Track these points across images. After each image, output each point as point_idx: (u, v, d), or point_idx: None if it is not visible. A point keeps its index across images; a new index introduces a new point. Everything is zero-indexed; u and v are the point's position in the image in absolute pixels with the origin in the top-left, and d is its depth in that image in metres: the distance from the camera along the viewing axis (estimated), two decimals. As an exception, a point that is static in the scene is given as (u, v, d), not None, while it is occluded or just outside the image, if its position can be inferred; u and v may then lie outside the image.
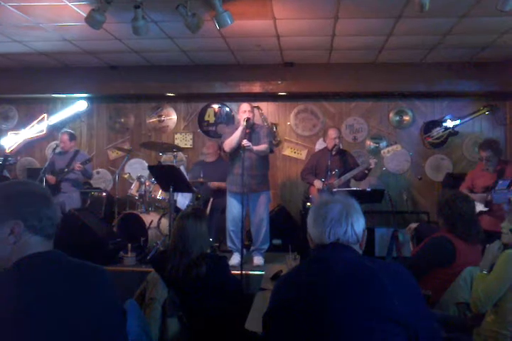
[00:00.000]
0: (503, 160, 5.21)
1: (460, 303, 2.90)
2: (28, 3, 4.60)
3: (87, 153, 6.94)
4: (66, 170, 6.04)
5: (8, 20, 5.05)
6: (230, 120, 7.46)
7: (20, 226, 1.50)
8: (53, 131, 7.66)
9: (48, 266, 1.50)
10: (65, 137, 6.38)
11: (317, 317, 1.59)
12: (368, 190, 5.44)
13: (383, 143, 7.17)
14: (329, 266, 1.68)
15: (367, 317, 1.57)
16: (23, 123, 7.73)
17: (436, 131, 7.09)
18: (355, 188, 5.64)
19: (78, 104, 7.57)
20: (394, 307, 1.58)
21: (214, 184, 6.03)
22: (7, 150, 7.54)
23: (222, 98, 7.45)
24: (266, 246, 5.37)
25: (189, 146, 7.51)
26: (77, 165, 5.93)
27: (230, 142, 5.17)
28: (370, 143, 7.29)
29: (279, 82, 6.93)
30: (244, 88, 7.04)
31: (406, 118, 7.26)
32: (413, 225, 4.16)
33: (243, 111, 5.16)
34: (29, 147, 7.75)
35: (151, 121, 7.64)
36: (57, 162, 6.28)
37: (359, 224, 1.77)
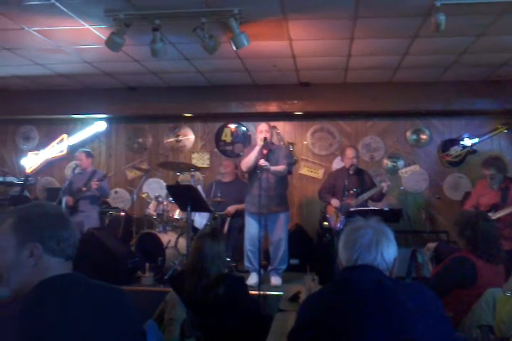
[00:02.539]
0: (509, 177, 5.11)
1: (483, 326, 2.84)
2: (50, 28, 4.73)
3: (103, 172, 7.00)
4: (84, 188, 6.10)
5: (32, 44, 5.20)
6: (246, 139, 7.50)
7: (39, 249, 1.51)
8: (73, 151, 7.76)
9: (68, 289, 1.50)
10: (82, 155, 6.47)
11: (340, 338, 1.57)
12: (386, 209, 5.40)
13: (401, 162, 7.14)
14: (353, 287, 1.67)
15: (388, 338, 1.55)
16: (43, 143, 7.86)
17: (454, 150, 7.04)
18: (372, 207, 5.59)
19: (97, 125, 7.70)
20: (416, 329, 1.56)
21: (231, 210, 6.00)
22: (28, 170, 7.65)
23: (239, 118, 7.51)
24: (284, 266, 5.34)
25: (206, 166, 7.55)
26: (94, 183, 6.00)
27: (246, 161, 5.19)
28: (387, 162, 7.26)
29: (295, 102, 6.97)
30: (261, 108, 7.09)
31: (423, 136, 7.23)
32: (432, 245, 4.10)
33: (260, 131, 5.20)
34: (49, 167, 7.86)
35: (168, 141, 7.72)
36: (76, 182, 6.35)
37: (389, 253, 1.75)
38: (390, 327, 1.56)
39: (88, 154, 6.54)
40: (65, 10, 4.26)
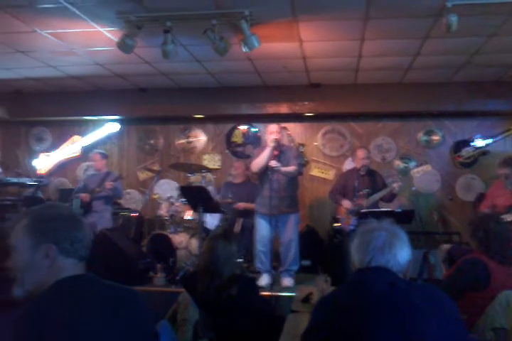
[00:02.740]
0: None
1: (497, 329, 2.81)
2: (63, 30, 4.78)
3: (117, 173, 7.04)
4: (97, 189, 6.15)
5: (44, 46, 5.25)
6: (257, 141, 7.51)
7: (53, 250, 1.53)
8: (85, 152, 7.83)
9: (83, 289, 1.52)
10: (97, 156, 6.53)
11: (353, 340, 1.57)
12: (398, 210, 5.37)
13: (412, 163, 7.10)
14: (366, 289, 1.67)
15: (402, 339, 1.54)
16: (55, 145, 7.93)
17: (467, 151, 6.99)
18: (384, 209, 5.57)
19: (110, 126, 7.75)
20: (430, 331, 1.55)
21: (240, 205, 6.03)
22: (41, 171, 7.72)
23: (250, 119, 7.52)
24: (295, 268, 5.33)
25: (217, 167, 7.56)
26: (108, 184, 6.04)
27: (257, 162, 5.19)
28: (399, 163, 7.24)
29: (306, 103, 6.97)
30: (271, 109, 7.10)
31: (435, 137, 7.19)
32: (446, 246, 4.07)
33: (271, 132, 5.19)
34: (61, 168, 7.92)
35: (179, 142, 7.75)
36: (90, 183, 6.40)
37: (403, 255, 1.75)
38: (404, 329, 1.56)
39: (103, 155, 6.60)
40: (78, 12, 4.30)
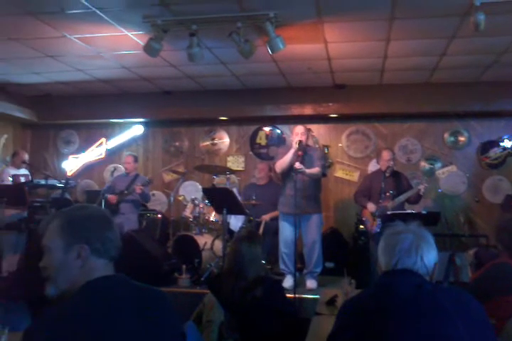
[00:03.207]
0: None
1: (526, 333, 2.76)
2: (90, 35, 4.87)
3: (146, 177, 7.11)
4: (126, 191, 6.23)
5: (73, 50, 5.36)
6: (281, 142, 7.51)
7: (86, 250, 1.55)
8: (111, 154, 7.95)
9: (114, 290, 1.54)
10: (130, 159, 6.63)
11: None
12: (423, 212, 5.31)
13: (438, 165, 7.01)
14: (392, 292, 1.66)
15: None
16: (83, 147, 8.07)
17: (494, 152, 6.88)
18: (410, 211, 5.52)
19: (135, 129, 7.86)
20: (457, 334, 1.54)
21: (265, 217, 6.03)
22: (68, 174, 7.86)
23: (274, 121, 7.53)
24: (319, 270, 5.32)
25: (241, 169, 7.59)
26: (138, 188, 6.11)
27: (281, 163, 5.20)
28: (424, 165, 7.15)
29: (331, 104, 6.95)
30: (296, 110, 7.10)
31: (461, 138, 7.09)
32: (472, 251, 4.02)
33: (296, 134, 5.21)
34: (88, 170, 8.05)
35: (204, 144, 7.81)
36: (118, 184, 6.48)
37: (429, 258, 1.73)
38: (430, 332, 1.55)
39: (136, 158, 6.71)
40: (105, 17, 4.38)
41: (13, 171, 6.72)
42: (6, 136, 7.57)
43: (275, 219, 5.56)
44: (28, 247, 5.68)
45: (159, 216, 6.80)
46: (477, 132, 7.06)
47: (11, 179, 6.55)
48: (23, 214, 6.23)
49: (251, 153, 7.65)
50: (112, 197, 6.26)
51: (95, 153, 7.93)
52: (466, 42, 5.01)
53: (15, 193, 5.96)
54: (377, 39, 4.97)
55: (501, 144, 6.83)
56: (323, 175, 5.40)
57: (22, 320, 2.49)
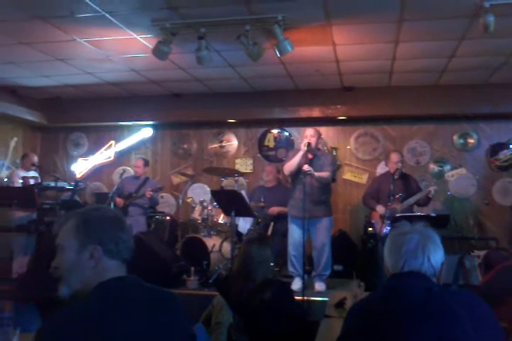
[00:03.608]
0: None
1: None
2: (100, 38, 4.90)
3: (156, 181, 7.14)
4: (135, 195, 6.25)
5: (82, 54, 5.40)
6: (289, 145, 7.51)
7: (99, 251, 1.56)
8: (120, 157, 7.99)
9: (126, 291, 1.55)
10: (141, 162, 6.65)
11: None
12: (433, 215, 5.29)
13: (447, 167, 6.98)
14: (401, 295, 1.65)
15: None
16: (92, 149, 8.12)
17: (504, 154, 6.84)
18: (419, 213, 5.50)
19: (144, 131, 7.89)
20: (467, 337, 1.53)
21: (274, 210, 6.04)
22: (78, 176, 7.91)
23: (282, 123, 7.54)
24: (328, 272, 5.31)
25: (249, 171, 7.60)
26: (148, 192, 6.14)
27: (289, 165, 5.20)
28: (433, 167, 7.12)
29: (339, 107, 6.94)
30: (304, 113, 7.10)
31: (471, 140, 7.05)
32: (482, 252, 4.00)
33: (305, 136, 5.22)
34: (97, 172, 8.10)
35: (212, 146, 7.82)
36: (127, 186, 6.51)
37: (436, 258, 1.72)
38: (439, 335, 1.54)
39: (146, 162, 6.73)
40: (114, 21, 4.41)
41: (23, 173, 6.77)
42: (16, 138, 7.62)
43: (284, 221, 5.56)
44: (37, 249, 5.72)
45: (168, 218, 6.82)
46: (486, 134, 7.02)
47: (20, 181, 6.61)
48: (33, 216, 6.28)
49: (259, 155, 7.66)
50: (120, 201, 6.29)
51: (104, 155, 7.97)
52: (475, 44, 4.99)
53: (24, 195, 6.00)
54: (386, 41, 4.97)
55: (511, 146, 6.79)
56: (333, 180, 5.39)
57: (32, 321, 2.51)
